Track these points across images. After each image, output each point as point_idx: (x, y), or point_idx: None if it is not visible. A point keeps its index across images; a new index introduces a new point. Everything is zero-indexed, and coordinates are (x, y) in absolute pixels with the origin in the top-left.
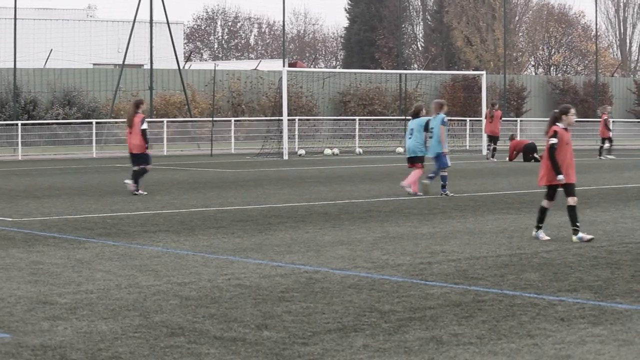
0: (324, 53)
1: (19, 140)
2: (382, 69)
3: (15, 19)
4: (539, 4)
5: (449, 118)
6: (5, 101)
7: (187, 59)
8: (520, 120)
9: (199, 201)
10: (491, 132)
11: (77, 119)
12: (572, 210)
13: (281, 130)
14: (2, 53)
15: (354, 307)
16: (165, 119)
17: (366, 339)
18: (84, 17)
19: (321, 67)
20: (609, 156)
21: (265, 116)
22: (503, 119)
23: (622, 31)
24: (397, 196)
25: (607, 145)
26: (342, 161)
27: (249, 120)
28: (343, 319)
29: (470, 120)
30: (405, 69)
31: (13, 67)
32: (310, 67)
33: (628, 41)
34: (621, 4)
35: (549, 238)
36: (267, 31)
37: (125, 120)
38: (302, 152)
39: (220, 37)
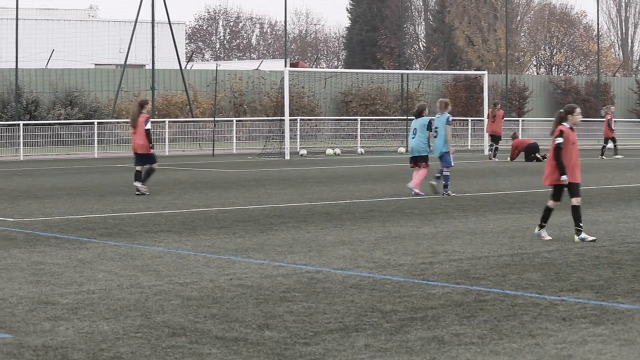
0: (325, 53)
1: (21, 140)
2: (384, 69)
3: (17, 19)
4: (541, 3)
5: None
6: (7, 101)
7: (189, 59)
8: (522, 120)
9: (200, 201)
10: (493, 132)
11: (78, 119)
12: (576, 210)
13: (283, 130)
14: (4, 53)
15: (356, 307)
16: (167, 119)
17: (368, 338)
18: (86, 18)
19: (323, 67)
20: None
21: (267, 116)
22: (505, 118)
23: (623, 31)
24: (398, 196)
25: (610, 145)
26: (344, 161)
27: (250, 120)
28: (345, 318)
29: (472, 120)
30: (407, 69)
31: (15, 67)
32: (312, 67)
33: (630, 41)
34: (623, 4)
35: (550, 238)
36: (268, 31)
37: (129, 120)
38: (304, 152)
39: (222, 37)
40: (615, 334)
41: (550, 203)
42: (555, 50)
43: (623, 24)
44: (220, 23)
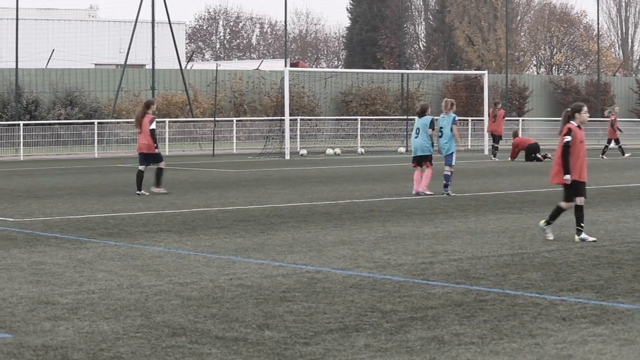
0: (325, 53)
1: (21, 140)
2: (384, 68)
3: (17, 19)
4: (541, 3)
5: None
6: (7, 101)
7: (189, 59)
8: (522, 120)
9: (200, 201)
10: (494, 131)
11: (79, 119)
12: (579, 210)
13: (283, 130)
14: (4, 53)
15: (356, 307)
16: (167, 119)
17: (368, 338)
18: (86, 18)
19: (323, 67)
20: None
21: (267, 116)
22: (505, 118)
23: (624, 31)
24: (399, 196)
25: (612, 145)
26: (344, 161)
27: (250, 120)
28: (345, 318)
29: (472, 120)
30: (407, 68)
31: (15, 67)
32: (312, 67)
33: (630, 41)
34: (623, 4)
35: (552, 238)
36: (269, 31)
37: (129, 120)
38: (304, 152)
39: (222, 37)
40: (615, 333)
41: (563, 204)
42: (555, 50)
43: (623, 23)
44: (221, 23)
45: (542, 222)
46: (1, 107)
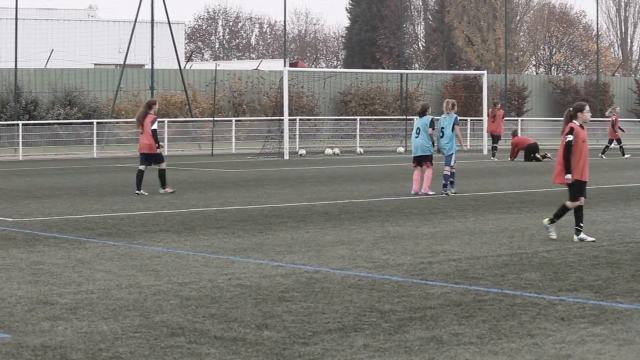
0: (325, 53)
1: (20, 140)
2: (383, 68)
3: (16, 19)
4: (540, 3)
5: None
6: (7, 101)
7: (188, 59)
8: (522, 120)
9: (199, 201)
10: (493, 132)
11: (78, 119)
12: (578, 210)
13: (282, 130)
14: (3, 53)
15: (355, 307)
16: (166, 119)
17: (366, 338)
18: (85, 17)
19: (322, 67)
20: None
21: (266, 116)
22: (505, 118)
23: (623, 30)
24: (397, 196)
25: (614, 145)
26: (343, 161)
27: (249, 120)
28: (343, 318)
29: (471, 120)
30: (407, 68)
31: (14, 67)
32: (311, 67)
33: (629, 40)
34: (622, 4)
35: (555, 237)
36: (268, 31)
37: (128, 120)
38: (303, 152)
39: (221, 37)
40: (614, 333)
41: (569, 203)
42: (554, 49)
43: (622, 23)
44: (220, 23)
45: (545, 220)
46: (0, 107)
